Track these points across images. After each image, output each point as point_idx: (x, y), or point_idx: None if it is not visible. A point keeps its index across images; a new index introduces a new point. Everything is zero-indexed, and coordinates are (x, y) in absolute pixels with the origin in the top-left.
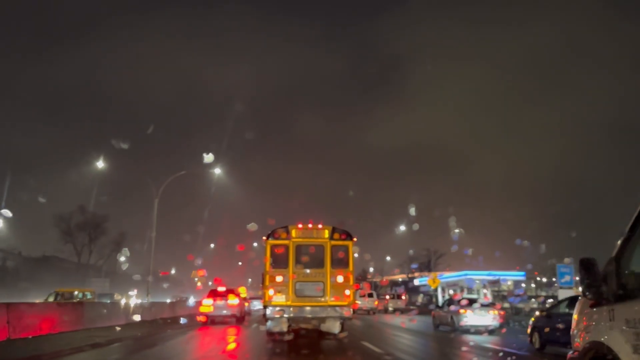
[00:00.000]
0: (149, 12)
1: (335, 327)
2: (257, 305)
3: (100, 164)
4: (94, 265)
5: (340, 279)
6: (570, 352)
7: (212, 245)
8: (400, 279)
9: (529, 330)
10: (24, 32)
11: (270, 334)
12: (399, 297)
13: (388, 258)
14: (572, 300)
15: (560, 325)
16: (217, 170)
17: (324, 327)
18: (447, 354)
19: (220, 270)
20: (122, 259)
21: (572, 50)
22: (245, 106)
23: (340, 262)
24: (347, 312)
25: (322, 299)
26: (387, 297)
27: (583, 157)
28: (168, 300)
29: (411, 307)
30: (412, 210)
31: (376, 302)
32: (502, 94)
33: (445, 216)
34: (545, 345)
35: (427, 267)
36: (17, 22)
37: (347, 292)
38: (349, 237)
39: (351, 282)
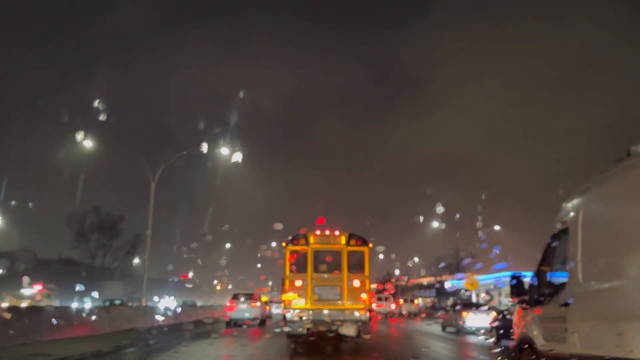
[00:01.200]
0: (182, 27)
1: (352, 330)
2: (277, 309)
3: (87, 142)
4: (109, 267)
5: (356, 283)
6: (511, 342)
7: (227, 245)
8: (425, 282)
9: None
10: (66, 48)
11: (290, 336)
12: (411, 300)
13: (416, 259)
14: None
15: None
16: (224, 150)
17: (342, 330)
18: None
19: (239, 271)
20: (136, 261)
21: (602, 50)
22: (268, 112)
23: (357, 267)
24: (364, 316)
25: (340, 303)
26: (400, 301)
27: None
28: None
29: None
30: (439, 209)
31: (393, 306)
32: (526, 98)
33: (472, 217)
34: (500, 340)
35: (455, 269)
36: (61, 39)
37: (364, 296)
38: (365, 243)
39: (367, 286)
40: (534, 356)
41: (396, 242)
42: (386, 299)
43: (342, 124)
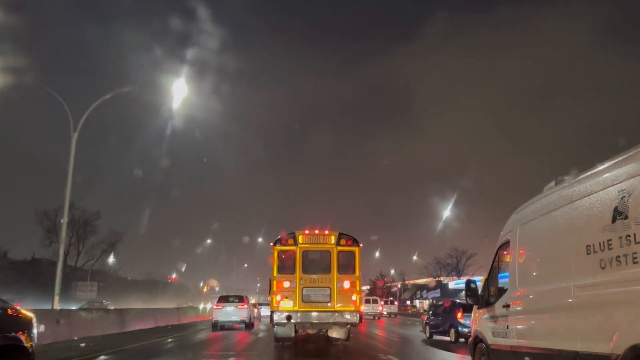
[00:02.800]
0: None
1: (341, 332)
2: (265, 311)
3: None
4: (81, 268)
5: (346, 284)
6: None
7: (208, 241)
8: (420, 283)
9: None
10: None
11: (278, 339)
12: (392, 302)
13: (415, 257)
14: (451, 304)
15: (440, 321)
16: (181, 89)
17: (331, 332)
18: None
19: (226, 273)
20: (111, 260)
21: (574, 68)
22: (264, 125)
23: (347, 268)
24: (354, 318)
25: (329, 305)
26: (382, 302)
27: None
28: None
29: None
30: (439, 211)
31: (381, 308)
32: (503, 109)
33: (471, 218)
34: (432, 335)
35: (455, 269)
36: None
37: (354, 297)
38: (355, 242)
39: (357, 287)
40: (485, 350)
41: (392, 244)
42: (374, 300)
43: (333, 134)
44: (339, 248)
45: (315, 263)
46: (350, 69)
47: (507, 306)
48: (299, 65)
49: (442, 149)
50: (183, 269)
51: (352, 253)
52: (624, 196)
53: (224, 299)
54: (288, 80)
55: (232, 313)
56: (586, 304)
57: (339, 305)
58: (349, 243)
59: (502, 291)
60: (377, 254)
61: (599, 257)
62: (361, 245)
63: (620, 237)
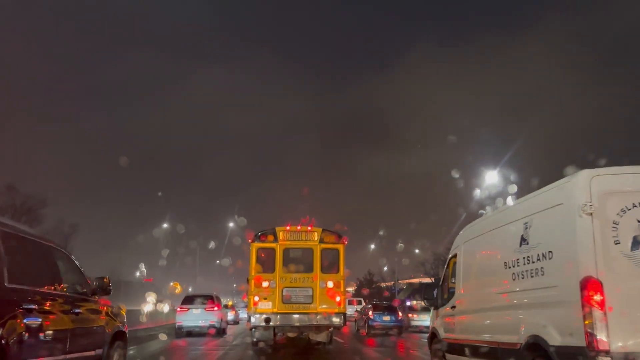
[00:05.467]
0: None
1: (324, 336)
2: (243, 314)
3: None
4: None
5: (330, 284)
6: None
7: (164, 225)
8: (417, 282)
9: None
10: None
11: (255, 344)
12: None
13: (417, 251)
14: (387, 307)
15: (362, 318)
16: None
17: (313, 335)
18: None
19: (205, 273)
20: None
21: (551, 84)
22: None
23: (331, 267)
24: (338, 320)
25: (311, 306)
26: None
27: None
28: None
29: None
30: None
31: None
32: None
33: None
34: (359, 329)
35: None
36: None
37: (338, 298)
38: (340, 239)
39: (342, 288)
40: (438, 343)
41: (386, 242)
42: (358, 301)
43: (317, 147)
44: (323, 245)
45: (297, 261)
46: (332, 91)
47: (453, 307)
48: (281, 82)
49: (428, 159)
50: (142, 269)
51: (336, 251)
52: (527, 227)
53: (189, 300)
54: (269, 96)
55: (199, 316)
56: (504, 306)
57: (322, 306)
58: (332, 240)
59: (451, 295)
60: (372, 246)
61: (512, 272)
62: (346, 241)
63: (524, 257)
